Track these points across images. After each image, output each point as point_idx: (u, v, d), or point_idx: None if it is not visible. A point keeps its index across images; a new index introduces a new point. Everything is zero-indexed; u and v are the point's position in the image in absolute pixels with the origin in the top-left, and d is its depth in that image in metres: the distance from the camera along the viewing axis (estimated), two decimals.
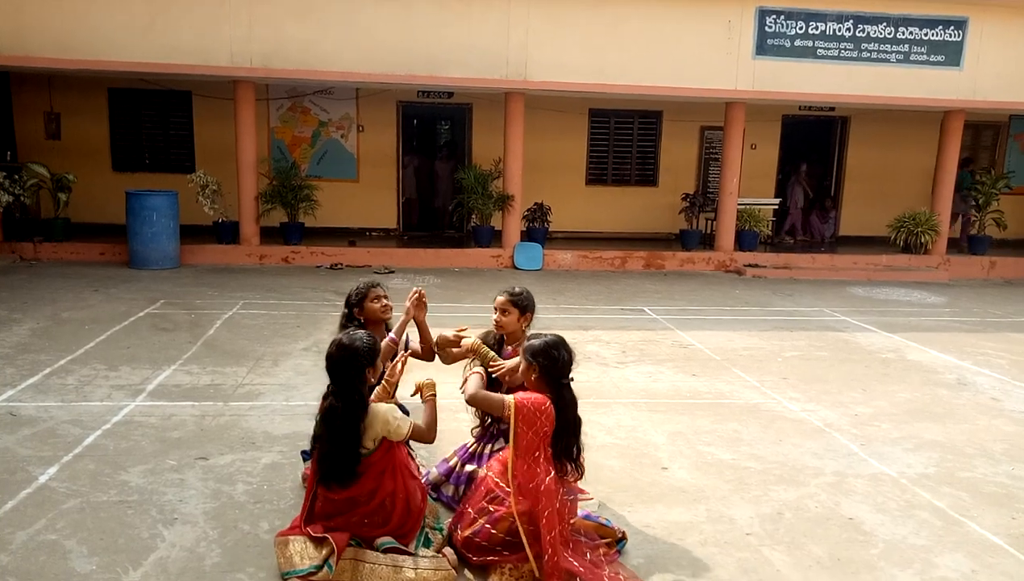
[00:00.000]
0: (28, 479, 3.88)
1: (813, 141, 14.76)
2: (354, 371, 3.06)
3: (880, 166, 14.34)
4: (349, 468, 3.04)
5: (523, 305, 3.85)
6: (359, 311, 3.98)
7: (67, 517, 3.52)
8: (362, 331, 3.26)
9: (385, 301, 4.04)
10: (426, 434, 3.24)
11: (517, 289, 3.90)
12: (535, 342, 3.31)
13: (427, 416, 3.27)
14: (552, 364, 3.24)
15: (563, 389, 3.26)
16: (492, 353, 3.68)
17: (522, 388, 3.42)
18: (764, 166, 14.14)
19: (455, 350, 3.82)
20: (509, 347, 3.84)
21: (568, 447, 3.25)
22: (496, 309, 3.89)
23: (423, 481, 3.82)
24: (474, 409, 3.90)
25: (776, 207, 13.48)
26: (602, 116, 13.69)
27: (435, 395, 3.34)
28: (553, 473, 3.16)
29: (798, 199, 13.92)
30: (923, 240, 12.25)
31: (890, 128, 14.00)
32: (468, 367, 3.72)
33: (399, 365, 3.36)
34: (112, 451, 4.29)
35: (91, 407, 4.97)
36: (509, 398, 3.22)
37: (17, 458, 4.14)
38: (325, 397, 3.14)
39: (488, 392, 3.40)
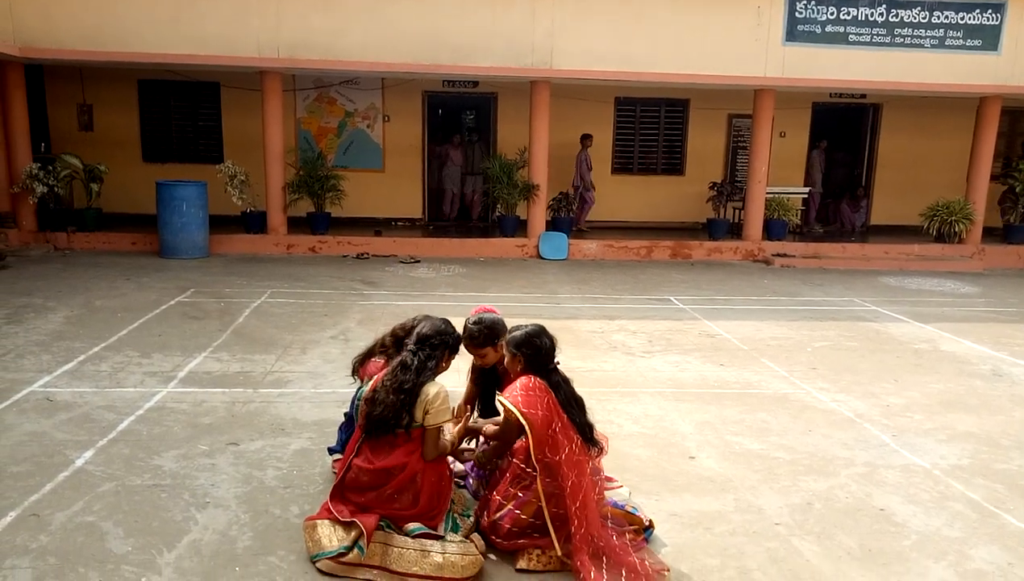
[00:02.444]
0: (65, 462, 3.97)
1: (844, 129, 14.49)
2: (440, 344, 3.33)
3: (913, 154, 14.05)
4: (396, 418, 3.16)
5: (489, 341, 3.59)
6: (445, 361, 3.46)
7: (103, 500, 3.59)
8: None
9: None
10: (432, 452, 3.28)
11: (474, 328, 3.58)
12: (516, 334, 3.39)
13: (446, 441, 3.43)
14: (536, 353, 3.32)
15: (551, 374, 3.34)
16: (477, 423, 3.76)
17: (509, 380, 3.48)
18: (793, 154, 13.93)
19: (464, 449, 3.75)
20: (501, 369, 3.67)
21: (581, 425, 3.29)
22: (469, 352, 3.72)
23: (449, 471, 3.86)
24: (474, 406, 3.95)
25: (805, 196, 13.27)
26: (628, 104, 13.57)
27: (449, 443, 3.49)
28: (578, 442, 3.20)
29: (816, 179, 13.68)
30: (957, 229, 11.99)
31: (923, 115, 13.70)
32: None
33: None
34: (145, 436, 4.37)
35: (125, 393, 5.07)
36: (504, 413, 3.28)
37: (55, 442, 4.23)
38: (400, 355, 3.33)
39: (493, 427, 3.51)
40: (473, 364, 3.86)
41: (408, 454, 3.17)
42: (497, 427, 3.48)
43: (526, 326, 3.43)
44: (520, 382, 3.27)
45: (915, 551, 3.41)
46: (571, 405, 3.28)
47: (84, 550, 3.16)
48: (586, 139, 12.43)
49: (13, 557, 3.09)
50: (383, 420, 3.16)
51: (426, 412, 3.19)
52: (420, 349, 3.29)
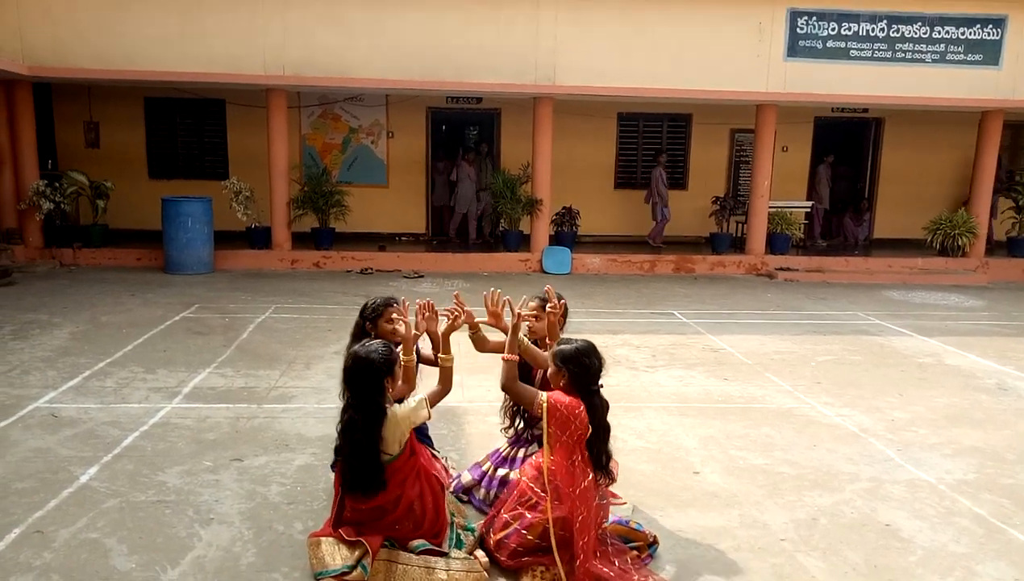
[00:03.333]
0: (70, 478, 3.98)
1: (846, 143, 14.54)
2: (372, 382, 3.04)
3: (915, 168, 14.09)
4: (373, 478, 3.04)
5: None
6: (371, 327, 3.86)
7: (107, 516, 3.60)
8: (378, 341, 3.23)
9: (399, 326, 3.75)
10: (441, 392, 3.22)
11: (556, 292, 3.88)
12: (566, 347, 3.25)
13: (440, 377, 3.28)
14: (583, 372, 3.19)
15: (593, 396, 3.21)
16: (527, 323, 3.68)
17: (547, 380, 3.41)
18: (796, 168, 13.97)
19: (491, 340, 3.74)
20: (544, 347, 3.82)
21: (599, 454, 3.21)
22: (532, 312, 3.87)
23: (454, 485, 3.85)
24: (504, 410, 3.92)
25: (808, 210, 13.29)
26: (631, 119, 13.65)
27: (450, 362, 3.32)
28: (591, 476, 3.13)
29: (823, 194, 13.69)
30: (960, 242, 12.00)
31: (925, 129, 13.75)
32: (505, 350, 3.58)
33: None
34: (150, 452, 4.38)
35: (129, 409, 5.08)
36: (543, 396, 3.18)
37: (59, 458, 4.24)
38: (344, 410, 3.13)
39: (523, 384, 3.32)
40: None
41: (400, 485, 3.12)
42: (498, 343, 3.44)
43: (577, 341, 3.28)
44: (570, 402, 3.14)
45: (921, 567, 3.39)
46: (598, 433, 3.17)
47: (88, 567, 3.16)
48: (660, 155, 12.60)
49: (17, 574, 3.09)
50: (358, 482, 3.04)
51: (404, 433, 3.09)
52: (357, 400, 3.03)
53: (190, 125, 13.01)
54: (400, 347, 3.44)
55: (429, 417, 3.18)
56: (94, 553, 3.27)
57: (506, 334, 3.43)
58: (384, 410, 3.06)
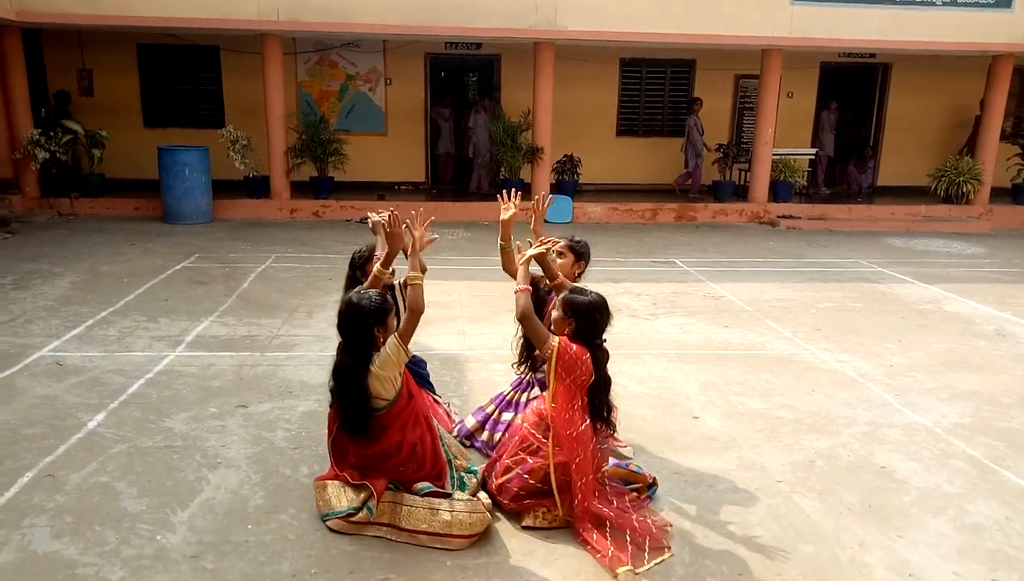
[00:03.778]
0: (77, 425, 4.04)
1: (852, 89, 14.28)
2: (363, 329, 3.03)
3: (921, 115, 13.86)
4: (362, 422, 3.06)
5: (579, 251, 3.95)
6: (362, 274, 3.85)
7: (116, 461, 3.66)
8: (373, 290, 3.20)
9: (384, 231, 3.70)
10: (410, 320, 3.10)
11: (577, 237, 4.01)
12: (578, 298, 3.22)
13: (408, 296, 3.15)
14: (591, 327, 3.19)
15: (596, 349, 3.22)
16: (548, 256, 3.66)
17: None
18: (801, 115, 13.75)
19: (517, 260, 3.68)
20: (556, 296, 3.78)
21: (600, 405, 3.24)
22: (554, 251, 3.84)
23: (458, 429, 3.91)
24: (516, 343, 3.90)
25: (812, 157, 13.14)
26: (634, 65, 13.38)
27: (419, 280, 3.19)
28: (589, 421, 3.17)
29: (826, 142, 13.51)
30: (965, 189, 11.89)
31: (933, 75, 13.47)
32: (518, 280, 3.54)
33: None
34: (155, 399, 4.43)
35: (133, 357, 5.12)
36: (554, 339, 3.19)
37: (66, 405, 4.29)
38: (336, 353, 3.14)
39: (538, 321, 3.30)
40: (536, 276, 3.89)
41: (400, 429, 3.14)
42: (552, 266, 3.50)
43: (590, 294, 3.26)
44: (579, 349, 3.15)
45: (915, 506, 3.46)
46: (599, 384, 3.20)
47: (100, 509, 3.23)
48: (695, 103, 12.35)
49: (32, 516, 3.16)
50: (352, 424, 3.08)
51: (392, 378, 3.07)
52: (348, 344, 3.04)
53: (184, 73, 12.75)
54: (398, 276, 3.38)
55: (408, 354, 3.12)
56: (105, 496, 3.34)
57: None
58: (370, 359, 3.04)
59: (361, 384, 3.02)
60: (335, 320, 5.12)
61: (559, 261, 3.84)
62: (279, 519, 3.19)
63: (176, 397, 4.46)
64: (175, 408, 4.30)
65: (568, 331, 3.22)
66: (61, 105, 11.80)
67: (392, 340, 3.07)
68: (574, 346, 3.16)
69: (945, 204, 12.07)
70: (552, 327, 3.31)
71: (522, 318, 3.27)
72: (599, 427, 3.24)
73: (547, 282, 3.74)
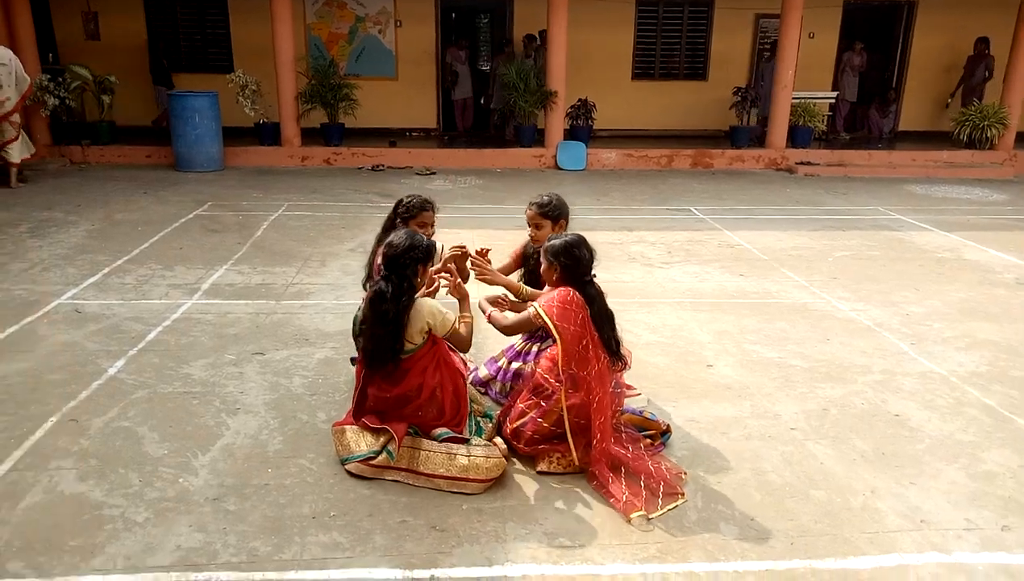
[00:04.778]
0: (98, 371, 4.10)
1: (875, 30, 13.82)
2: (410, 262, 3.13)
3: (947, 56, 13.43)
4: (392, 353, 3.12)
5: (554, 215, 3.80)
6: (402, 225, 3.82)
7: (137, 406, 3.72)
8: (421, 234, 3.31)
9: (432, 229, 3.90)
10: (464, 340, 3.32)
11: (544, 198, 3.82)
12: (556, 242, 3.31)
13: (465, 330, 3.35)
14: (575, 264, 3.25)
15: (587, 286, 3.28)
16: (522, 289, 3.72)
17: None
18: (822, 57, 13.37)
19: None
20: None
21: (607, 339, 3.28)
22: (529, 224, 3.85)
23: (472, 378, 3.93)
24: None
25: (833, 101, 12.82)
26: (650, 5, 12.99)
27: (471, 319, 3.39)
28: (605, 358, 3.21)
29: (847, 85, 13.15)
30: (989, 134, 11.59)
31: (960, 14, 13.00)
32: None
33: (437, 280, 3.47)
34: (174, 346, 4.48)
35: (151, 305, 5.16)
36: (532, 308, 3.25)
37: (86, 351, 4.35)
38: (376, 282, 3.21)
39: (516, 316, 3.43)
40: (522, 246, 3.95)
41: (421, 373, 3.18)
42: (501, 303, 3.54)
43: (566, 235, 3.35)
44: (559, 294, 3.22)
45: (928, 454, 3.47)
46: (602, 319, 3.24)
47: (123, 453, 3.30)
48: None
49: (57, 459, 3.24)
50: (380, 354, 3.12)
51: (430, 330, 3.17)
52: (391, 273, 3.12)
53: (191, 16, 12.53)
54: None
55: (444, 335, 3.25)
56: (128, 440, 3.41)
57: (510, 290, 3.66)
58: (413, 290, 3.17)
59: (398, 312, 3.09)
60: (350, 269, 5.15)
61: (538, 233, 3.76)
62: (298, 463, 3.26)
63: (194, 344, 4.51)
64: (193, 355, 4.35)
65: (556, 276, 3.29)
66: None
67: (454, 321, 3.25)
68: (555, 295, 3.22)
69: (968, 149, 11.79)
70: (543, 278, 3.41)
71: (507, 333, 3.46)
72: (615, 364, 3.28)
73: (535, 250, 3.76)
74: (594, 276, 3.34)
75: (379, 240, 3.92)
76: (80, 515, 2.87)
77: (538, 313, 3.21)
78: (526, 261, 4.01)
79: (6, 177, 8.86)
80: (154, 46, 11.99)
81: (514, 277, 3.96)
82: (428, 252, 3.22)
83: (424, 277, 3.25)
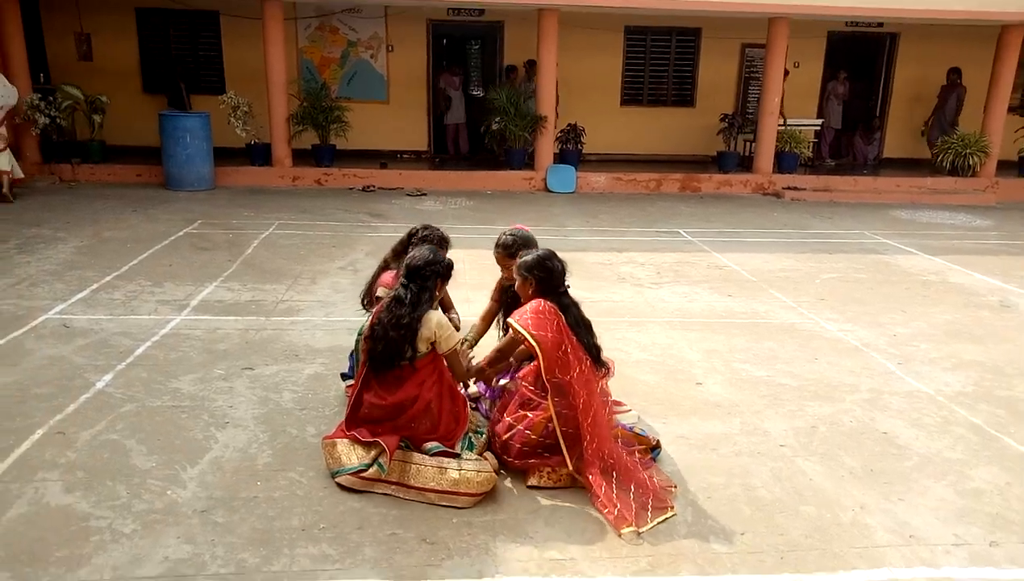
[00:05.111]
0: (86, 385, 4.07)
1: (859, 59, 14.12)
2: (431, 275, 3.27)
3: (930, 86, 13.70)
4: (399, 357, 3.17)
5: (517, 252, 3.62)
6: (438, 290, 3.43)
7: (125, 420, 3.69)
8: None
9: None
10: (460, 368, 3.40)
11: (508, 238, 3.75)
12: (528, 258, 3.38)
13: (465, 360, 3.50)
14: (548, 275, 3.34)
15: (562, 296, 3.36)
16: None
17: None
18: (807, 85, 13.61)
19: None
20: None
21: (588, 345, 3.33)
22: (498, 264, 3.86)
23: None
24: (499, 327, 4.00)
25: (818, 128, 13.03)
26: (638, 33, 13.22)
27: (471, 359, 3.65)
28: (587, 361, 3.25)
29: (832, 112, 13.38)
30: (971, 162, 11.81)
31: (941, 45, 13.30)
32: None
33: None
34: (162, 361, 4.45)
35: (139, 320, 5.14)
36: (510, 331, 3.33)
37: (74, 366, 4.32)
38: (393, 291, 3.31)
39: (499, 353, 3.53)
40: (499, 282, 3.94)
41: (418, 385, 3.21)
42: (490, 360, 3.58)
43: (537, 250, 3.45)
44: (531, 305, 3.30)
45: (916, 471, 3.50)
46: (580, 327, 3.32)
47: (110, 465, 3.27)
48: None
49: (44, 471, 3.20)
50: (387, 356, 3.18)
51: (435, 342, 3.23)
52: (412, 281, 3.24)
53: (184, 38, 12.60)
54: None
55: (447, 351, 3.31)
56: (115, 453, 3.37)
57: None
58: (431, 300, 3.27)
59: (412, 318, 3.17)
60: (340, 287, 5.19)
61: (510, 273, 3.71)
62: (288, 476, 3.23)
63: (183, 359, 4.49)
64: (182, 370, 4.32)
65: (532, 290, 3.36)
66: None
67: (459, 341, 3.38)
68: (527, 310, 3.29)
69: (951, 176, 12.00)
70: (519, 293, 3.48)
71: (496, 361, 3.55)
72: (597, 367, 3.33)
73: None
74: (568, 287, 3.42)
75: (385, 263, 3.92)
76: (67, 526, 2.83)
77: (515, 329, 3.24)
78: (504, 294, 3.99)
79: None
80: (171, 69, 11.95)
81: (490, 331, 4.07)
82: (448, 269, 3.36)
83: (441, 292, 3.38)
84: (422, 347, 3.21)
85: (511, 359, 3.56)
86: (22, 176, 9.47)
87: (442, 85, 12.71)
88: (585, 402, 3.15)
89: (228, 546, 2.75)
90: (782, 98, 11.80)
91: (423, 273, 3.25)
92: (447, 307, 4.03)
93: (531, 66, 12.26)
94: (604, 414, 3.26)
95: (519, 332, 3.24)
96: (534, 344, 3.19)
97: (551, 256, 3.39)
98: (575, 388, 3.16)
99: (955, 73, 12.78)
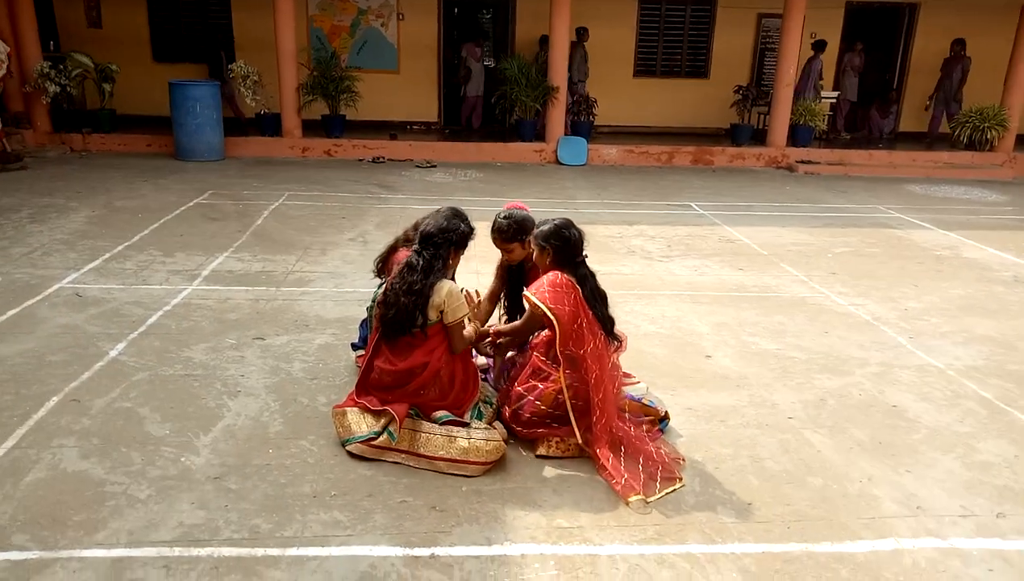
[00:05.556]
0: (99, 353, 4.11)
1: (877, 31, 13.84)
2: (445, 242, 3.25)
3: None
4: (411, 323, 3.18)
5: (518, 237, 3.60)
6: (452, 258, 3.41)
7: (138, 388, 3.74)
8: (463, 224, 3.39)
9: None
10: (460, 340, 3.33)
11: (503, 223, 3.59)
12: (545, 227, 3.35)
13: (470, 331, 3.45)
14: (565, 244, 3.30)
15: (579, 266, 3.33)
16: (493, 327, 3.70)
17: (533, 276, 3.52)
18: (824, 57, 13.36)
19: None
20: (529, 264, 3.72)
21: (602, 317, 3.32)
22: (496, 247, 3.74)
23: None
24: (502, 309, 3.99)
25: (834, 101, 12.84)
26: (653, 3, 13.00)
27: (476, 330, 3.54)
28: (601, 336, 3.24)
29: (848, 85, 13.11)
30: (989, 136, 11.62)
31: (962, 16, 13.01)
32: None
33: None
34: (175, 330, 4.49)
35: (151, 290, 5.17)
36: (530, 307, 3.28)
37: (87, 334, 4.36)
38: (408, 258, 3.30)
39: (515, 326, 3.49)
40: (500, 261, 3.89)
41: (428, 353, 3.22)
42: (509, 331, 3.54)
43: (554, 219, 3.40)
44: (547, 278, 3.28)
45: (924, 444, 3.50)
46: (595, 298, 3.30)
47: (124, 432, 3.32)
48: (818, 47, 12.03)
49: (59, 437, 3.26)
50: (398, 322, 3.19)
51: (443, 311, 3.21)
52: (425, 248, 3.24)
53: (193, 5, 12.51)
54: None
55: (455, 322, 3.27)
56: (129, 420, 3.42)
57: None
58: (444, 268, 3.26)
59: (425, 283, 3.17)
60: (350, 258, 5.18)
61: (511, 257, 3.70)
62: (299, 444, 3.27)
63: (195, 328, 4.52)
64: (194, 339, 4.36)
65: (549, 259, 3.33)
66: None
67: (468, 314, 3.32)
68: (544, 283, 3.26)
69: (968, 150, 11.82)
70: (536, 263, 3.45)
71: (519, 334, 3.47)
72: (610, 341, 3.32)
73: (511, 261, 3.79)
74: (585, 256, 3.39)
75: (406, 237, 3.79)
76: (83, 491, 2.88)
77: (533, 303, 3.23)
78: (507, 273, 3.92)
79: None
80: (211, 37, 11.83)
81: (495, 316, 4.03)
82: (464, 237, 3.33)
83: (456, 261, 3.35)
84: (432, 315, 3.21)
85: (521, 331, 3.53)
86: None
87: (464, 55, 12.47)
88: (597, 377, 3.16)
89: (241, 512, 2.80)
90: (821, 70, 11.58)
91: (435, 240, 3.24)
92: None
93: (580, 34, 11.98)
94: (612, 389, 3.26)
95: (537, 306, 3.23)
96: (552, 319, 3.19)
97: (568, 225, 3.35)
98: (588, 363, 3.17)
99: (959, 44, 12.47)
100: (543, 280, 3.29)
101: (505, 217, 3.62)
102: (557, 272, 3.27)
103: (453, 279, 3.40)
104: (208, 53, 11.76)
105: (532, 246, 3.40)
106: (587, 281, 3.31)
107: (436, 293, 3.19)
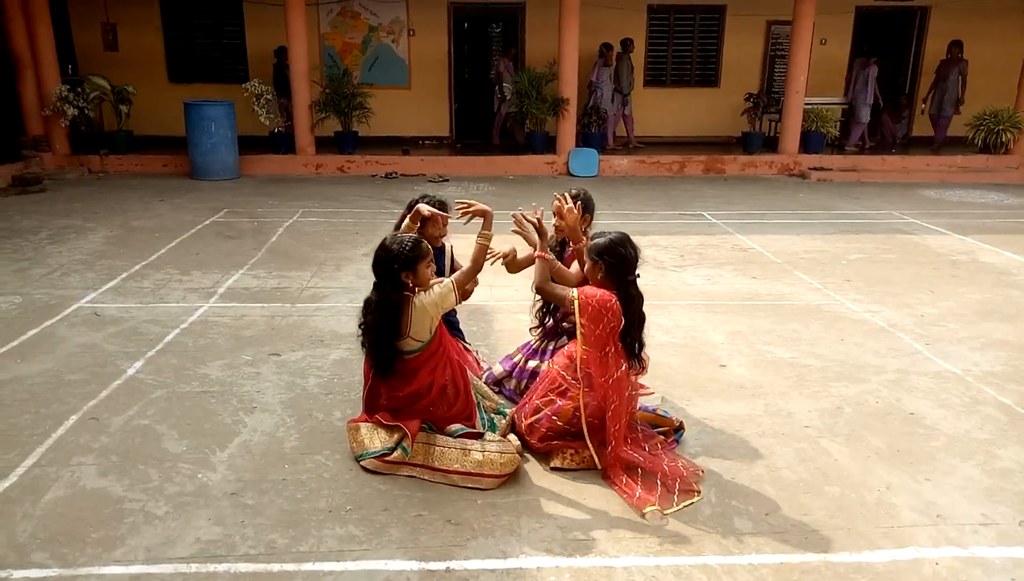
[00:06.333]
0: (117, 371, 4.16)
1: (888, 36, 13.79)
2: (390, 271, 3.11)
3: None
4: (388, 360, 3.14)
5: (585, 202, 3.83)
6: (411, 279, 3.40)
7: (156, 405, 3.78)
8: (410, 235, 3.24)
9: (444, 229, 3.95)
10: (470, 272, 3.26)
11: (574, 190, 3.83)
12: (600, 241, 3.23)
13: (476, 250, 3.32)
14: (619, 262, 3.18)
15: (629, 286, 3.21)
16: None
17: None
18: (834, 63, 13.34)
19: (519, 259, 3.83)
20: (570, 248, 3.83)
21: (632, 343, 3.23)
22: (554, 213, 3.84)
23: (486, 376, 3.96)
24: (534, 310, 3.98)
25: (845, 106, 12.77)
26: (661, 12, 13.05)
27: (487, 240, 3.38)
28: (625, 367, 3.17)
29: (864, 99, 12.96)
30: (1003, 139, 11.52)
31: (973, 20, 12.94)
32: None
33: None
34: (191, 347, 4.54)
35: (168, 308, 5.23)
36: (573, 292, 3.20)
37: (105, 353, 4.42)
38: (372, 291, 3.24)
39: (555, 285, 3.36)
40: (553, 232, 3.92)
41: (431, 372, 3.21)
42: (535, 268, 3.43)
43: (610, 233, 3.27)
44: (602, 295, 3.15)
45: (943, 451, 3.46)
46: (633, 322, 3.18)
47: (142, 449, 3.35)
48: (869, 58, 12.00)
49: (79, 455, 3.30)
50: (384, 362, 3.15)
51: (433, 319, 3.16)
52: (377, 281, 3.14)
53: (207, 26, 12.71)
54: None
55: (457, 301, 3.23)
56: (147, 437, 3.46)
57: (534, 247, 3.52)
58: (399, 300, 3.13)
59: (388, 323, 3.10)
60: (364, 273, 5.17)
61: (562, 223, 3.75)
62: (314, 460, 3.29)
63: (211, 346, 4.57)
64: (210, 356, 4.41)
65: (600, 275, 3.22)
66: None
67: (449, 283, 3.20)
68: (597, 293, 3.16)
69: (983, 154, 11.72)
70: (587, 276, 3.33)
71: (539, 289, 3.36)
72: (633, 369, 3.22)
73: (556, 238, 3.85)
74: (638, 276, 3.27)
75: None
76: (102, 509, 2.91)
77: (572, 300, 3.16)
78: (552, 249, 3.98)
79: None
80: (278, 55, 11.85)
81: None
82: (409, 259, 3.10)
83: (418, 279, 3.16)
84: (425, 335, 3.16)
85: (556, 290, 3.36)
86: None
87: (501, 70, 12.19)
88: (616, 408, 3.12)
89: (257, 527, 2.81)
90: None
91: (381, 273, 3.13)
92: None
93: (608, 50, 11.95)
94: (626, 416, 3.20)
95: (573, 305, 3.15)
96: (579, 334, 3.15)
97: (624, 241, 3.23)
98: (608, 392, 3.12)
99: (956, 47, 12.29)
100: (597, 294, 3.17)
101: (574, 188, 3.83)
102: (613, 296, 3.16)
103: (426, 288, 3.21)
104: (275, 74, 11.71)
105: (585, 258, 3.31)
106: (633, 302, 3.19)
107: (421, 315, 3.11)
